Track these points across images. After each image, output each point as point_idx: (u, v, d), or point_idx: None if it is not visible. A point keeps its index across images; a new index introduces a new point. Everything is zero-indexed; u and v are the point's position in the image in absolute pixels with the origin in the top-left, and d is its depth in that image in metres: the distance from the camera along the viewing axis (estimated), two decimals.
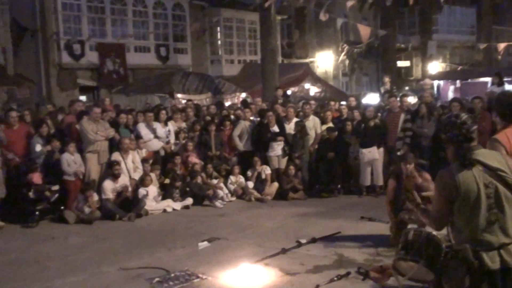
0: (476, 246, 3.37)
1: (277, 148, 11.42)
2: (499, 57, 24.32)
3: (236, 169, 11.36)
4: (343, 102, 14.34)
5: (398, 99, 11.99)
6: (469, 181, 3.36)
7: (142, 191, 10.06)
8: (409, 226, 6.23)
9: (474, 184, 3.36)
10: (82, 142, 10.19)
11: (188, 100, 15.52)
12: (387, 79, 15.76)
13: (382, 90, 15.58)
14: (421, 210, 3.80)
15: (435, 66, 29.94)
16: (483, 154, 3.45)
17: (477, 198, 3.36)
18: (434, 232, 3.77)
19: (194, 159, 11.19)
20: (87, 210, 9.47)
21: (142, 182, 10.19)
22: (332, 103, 13.12)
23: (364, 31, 16.02)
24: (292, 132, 11.51)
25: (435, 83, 22.32)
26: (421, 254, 3.69)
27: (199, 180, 10.86)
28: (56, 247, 7.88)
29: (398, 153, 10.54)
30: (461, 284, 3.38)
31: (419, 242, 3.74)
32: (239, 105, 14.61)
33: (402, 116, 11.28)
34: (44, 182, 9.62)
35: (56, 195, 9.70)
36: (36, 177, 9.55)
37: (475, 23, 33.88)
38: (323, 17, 15.13)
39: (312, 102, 13.22)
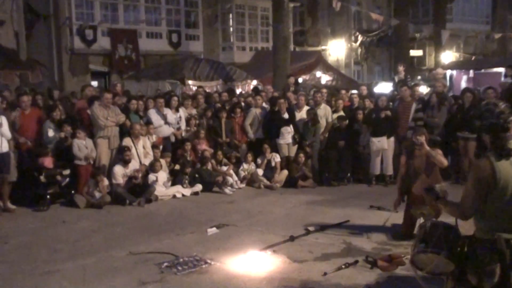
0: (507, 235, 3.35)
1: (287, 136, 11.41)
2: None
3: (249, 157, 11.35)
4: (354, 91, 14.24)
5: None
6: (508, 171, 3.37)
7: (152, 176, 10.11)
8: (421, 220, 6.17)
9: None
10: (93, 127, 10.25)
11: (199, 87, 15.51)
12: (401, 68, 15.59)
13: (396, 79, 15.43)
14: (443, 203, 3.68)
15: (448, 56, 29.63)
16: None
17: None
18: (450, 222, 3.73)
19: (203, 146, 11.21)
20: (97, 194, 9.54)
21: (152, 167, 10.24)
22: (343, 91, 13.07)
23: (377, 19, 15.86)
24: (303, 119, 11.49)
25: (448, 72, 22.09)
26: (441, 245, 3.62)
27: (209, 166, 10.89)
28: (66, 231, 7.96)
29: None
30: (491, 274, 3.34)
31: (438, 233, 3.67)
32: (250, 92, 14.53)
33: (414, 106, 11.22)
34: (56, 166, 9.70)
35: (67, 180, 9.77)
36: (48, 161, 9.63)
37: (490, 12, 33.45)
38: (336, 4, 15.05)
39: (324, 90, 13.17)
